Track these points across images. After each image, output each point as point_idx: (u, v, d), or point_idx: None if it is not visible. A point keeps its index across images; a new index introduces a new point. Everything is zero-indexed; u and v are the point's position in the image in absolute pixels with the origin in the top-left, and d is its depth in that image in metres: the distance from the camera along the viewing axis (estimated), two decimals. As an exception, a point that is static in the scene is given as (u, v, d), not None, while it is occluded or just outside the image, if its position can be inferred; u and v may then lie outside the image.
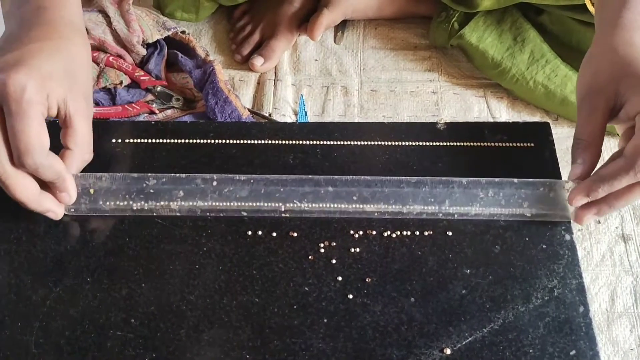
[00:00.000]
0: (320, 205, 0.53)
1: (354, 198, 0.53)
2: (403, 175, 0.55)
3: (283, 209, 0.53)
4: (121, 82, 0.73)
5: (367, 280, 0.51)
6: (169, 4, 0.80)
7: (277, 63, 0.80)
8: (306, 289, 0.50)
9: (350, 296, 0.50)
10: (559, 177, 0.57)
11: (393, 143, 0.58)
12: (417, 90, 0.78)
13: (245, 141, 0.59)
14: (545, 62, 0.73)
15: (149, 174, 0.53)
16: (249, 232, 0.53)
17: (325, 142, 0.59)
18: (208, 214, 0.53)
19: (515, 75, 0.74)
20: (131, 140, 0.58)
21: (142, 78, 0.74)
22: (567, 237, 0.53)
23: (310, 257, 0.52)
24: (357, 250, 0.52)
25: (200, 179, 0.53)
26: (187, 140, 0.58)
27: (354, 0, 0.80)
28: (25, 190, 0.48)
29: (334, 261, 0.52)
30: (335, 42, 0.83)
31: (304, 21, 0.81)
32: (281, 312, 0.49)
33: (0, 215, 0.53)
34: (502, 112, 0.76)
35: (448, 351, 0.47)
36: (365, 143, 0.59)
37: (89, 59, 0.53)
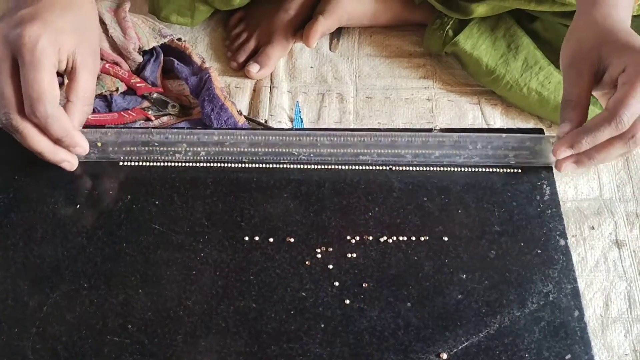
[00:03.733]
0: (318, 152, 0.56)
1: (349, 149, 0.56)
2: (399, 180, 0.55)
3: (282, 159, 0.56)
4: (117, 89, 0.73)
5: (363, 285, 0.51)
6: (164, 8, 0.80)
7: (273, 70, 0.80)
8: (303, 294, 0.51)
9: (347, 301, 0.50)
10: (553, 183, 0.57)
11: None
12: (412, 97, 0.78)
13: (242, 149, 0.59)
14: (539, 69, 0.74)
15: (153, 130, 0.56)
16: (246, 238, 0.53)
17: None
18: (211, 163, 0.56)
19: (509, 82, 0.74)
20: (128, 148, 0.58)
21: (138, 85, 0.74)
22: (562, 242, 0.53)
23: (307, 263, 0.52)
24: (354, 255, 0.52)
25: (202, 133, 0.56)
26: (184, 146, 0.59)
27: (349, 7, 0.80)
28: (42, 140, 0.50)
29: (330, 266, 0.52)
30: (330, 49, 0.83)
31: (300, 28, 0.82)
32: (278, 317, 0.49)
33: (-3, 221, 0.54)
34: (497, 119, 0.76)
35: (444, 355, 0.48)
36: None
37: (96, 16, 0.56)
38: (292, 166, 0.57)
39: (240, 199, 0.55)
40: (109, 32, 0.73)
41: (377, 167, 0.58)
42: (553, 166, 0.57)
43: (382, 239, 0.53)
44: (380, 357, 0.48)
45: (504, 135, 0.56)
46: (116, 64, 0.74)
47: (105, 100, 0.73)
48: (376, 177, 0.57)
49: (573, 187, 0.70)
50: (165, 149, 0.55)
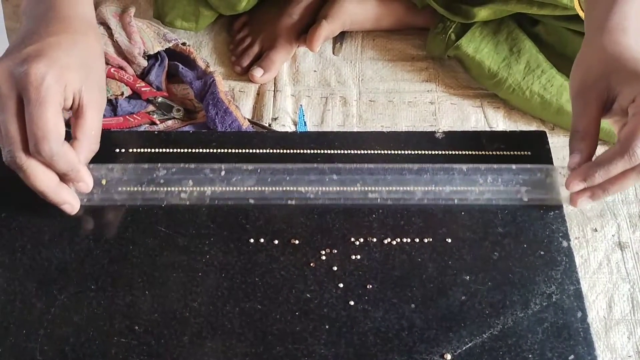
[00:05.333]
0: (326, 190, 0.54)
1: (358, 185, 0.55)
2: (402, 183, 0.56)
3: (289, 197, 0.55)
4: (122, 93, 0.74)
5: (368, 286, 0.51)
6: (168, 13, 0.81)
7: (277, 74, 0.81)
8: (308, 295, 0.51)
9: (352, 302, 0.51)
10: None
11: (393, 152, 0.59)
12: (414, 101, 0.79)
13: (247, 150, 0.59)
14: (541, 72, 0.74)
15: (159, 164, 0.55)
16: (251, 240, 0.54)
17: (326, 151, 0.59)
18: (217, 201, 0.54)
19: (512, 85, 0.75)
20: (135, 150, 0.59)
21: (143, 89, 0.75)
22: (565, 243, 0.54)
23: (311, 264, 0.52)
24: (358, 257, 0.53)
25: (208, 169, 0.55)
26: (189, 150, 0.59)
27: (352, 12, 0.81)
28: (45, 179, 0.50)
29: (335, 268, 0.52)
30: (334, 53, 0.84)
31: (303, 33, 0.82)
32: (283, 318, 0.50)
33: (6, 223, 0.54)
34: (499, 122, 0.76)
35: (448, 356, 0.48)
36: (366, 152, 0.59)
37: (102, 52, 0.55)
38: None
39: (245, 201, 0.56)
40: (114, 36, 0.74)
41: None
42: (566, 203, 0.56)
43: (385, 241, 0.54)
44: (385, 358, 0.48)
45: (514, 166, 0.55)
46: (121, 68, 0.75)
47: (110, 104, 0.74)
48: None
49: (576, 189, 0.70)
50: (170, 188, 0.54)
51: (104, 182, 0.54)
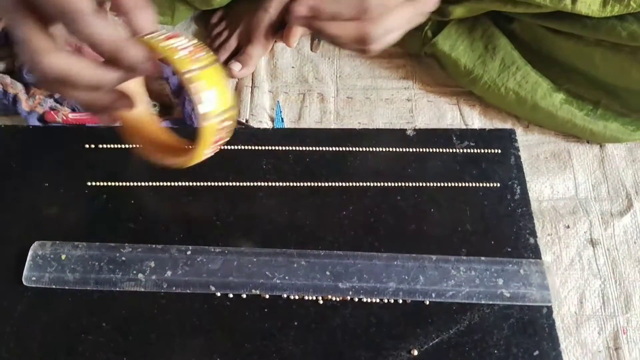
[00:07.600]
0: (293, 280, 0.51)
1: (327, 273, 0.52)
2: (373, 180, 0.56)
3: (254, 285, 0.51)
4: (98, 89, 0.73)
5: (338, 284, 0.52)
6: None
7: (254, 70, 0.80)
8: (277, 292, 0.51)
9: (320, 300, 0.51)
10: (524, 182, 0.58)
11: (364, 149, 0.59)
12: (391, 98, 0.79)
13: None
14: (515, 69, 0.74)
15: (126, 244, 0.52)
16: (221, 236, 0.54)
17: (298, 148, 0.59)
18: (174, 288, 0.51)
19: (487, 82, 0.75)
20: (106, 146, 0.59)
21: (119, 84, 0.74)
22: (532, 240, 0.54)
23: (280, 260, 0.53)
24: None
25: (175, 248, 0.52)
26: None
27: (329, 8, 0.81)
28: None
29: (303, 263, 0.52)
30: (311, 49, 0.84)
31: (281, 28, 0.82)
32: (252, 315, 0.50)
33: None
34: (475, 119, 0.77)
35: (415, 352, 0.48)
36: (338, 149, 0.60)
37: None
38: (266, 166, 0.56)
39: (217, 199, 0.56)
40: (90, 32, 0.74)
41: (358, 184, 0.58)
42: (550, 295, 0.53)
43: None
44: (353, 355, 0.48)
45: (482, 258, 0.53)
46: (97, 63, 0.74)
47: (86, 99, 0.74)
48: (351, 177, 0.58)
49: (549, 186, 0.71)
50: (126, 272, 0.51)
51: (63, 257, 0.52)
